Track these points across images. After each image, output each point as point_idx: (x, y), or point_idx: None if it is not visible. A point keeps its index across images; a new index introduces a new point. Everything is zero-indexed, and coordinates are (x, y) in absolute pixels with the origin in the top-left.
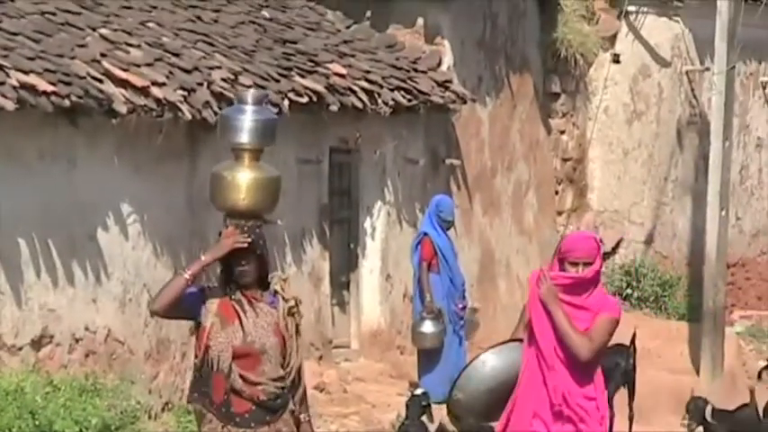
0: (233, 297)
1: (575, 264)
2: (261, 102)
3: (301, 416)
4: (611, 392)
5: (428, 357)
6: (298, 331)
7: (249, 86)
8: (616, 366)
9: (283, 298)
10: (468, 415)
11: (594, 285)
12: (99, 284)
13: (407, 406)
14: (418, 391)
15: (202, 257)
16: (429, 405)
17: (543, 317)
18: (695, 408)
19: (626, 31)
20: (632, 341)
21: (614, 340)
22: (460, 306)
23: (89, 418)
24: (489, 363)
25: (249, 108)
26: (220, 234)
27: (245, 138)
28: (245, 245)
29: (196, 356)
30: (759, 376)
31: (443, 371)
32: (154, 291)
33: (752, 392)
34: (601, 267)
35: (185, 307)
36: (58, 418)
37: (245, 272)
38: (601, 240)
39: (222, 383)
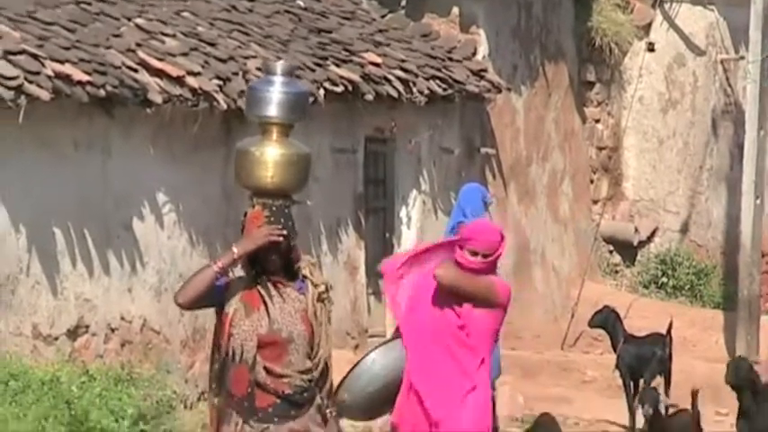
0: (258, 282)
1: (474, 253)
2: (291, 73)
3: (328, 411)
4: (647, 380)
5: None
6: (328, 319)
7: None
8: (653, 355)
9: (312, 283)
10: (354, 415)
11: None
12: (134, 274)
13: None
14: None
15: (234, 250)
16: None
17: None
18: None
19: (661, 20)
20: (668, 330)
21: (651, 329)
22: None
23: (125, 408)
24: (378, 362)
25: (278, 79)
26: (245, 215)
27: (273, 111)
28: (280, 238)
29: (216, 345)
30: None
31: None
32: None
33: (694, 396)
34: (497, 260)
35: (211, 298)
36: (94, 407)
37: (273, 260)
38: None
39: (245, 375)
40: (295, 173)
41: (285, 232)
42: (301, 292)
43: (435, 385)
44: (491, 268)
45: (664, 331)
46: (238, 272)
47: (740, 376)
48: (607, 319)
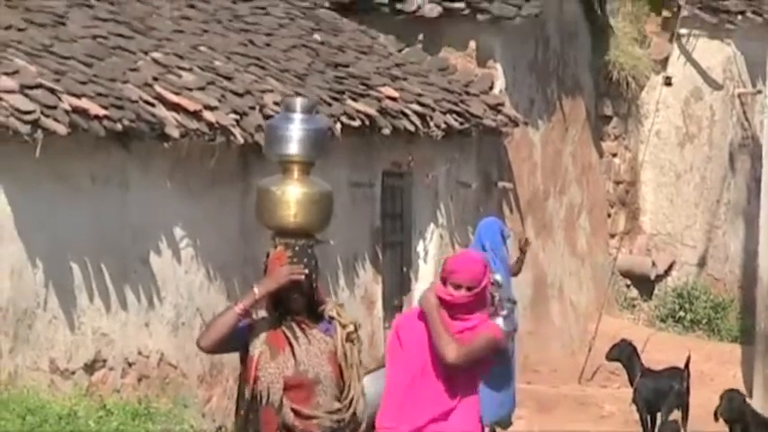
0: (283, 324)
1: (457, 286)
2: (311, 110)
3: None
4: (665, 414)
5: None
6: (360, 360)
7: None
8: (670, 389)
9: (340, 323)
10: None
11: (474, 310)
12: (152, 308)
13: None
14: None
15: (255, 290)
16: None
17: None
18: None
19: (678, 54)
20: (686, 364)
21: (668, 363)
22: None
23: None
24: (368, 389)
25: (298, 116)
26: (268, 255)
27: (294, 149)
28: (302, 277)
29: (242, 389)
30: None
31: (498, 393)
32: (207, 315)
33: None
34: (483, 292)
35: (234, 341)
36: None
37: (296, 299)
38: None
39: (273, 418)
40: (317, 212)
41: (307, 271)
42: (328, 334)
43: (420, 400)
44: (478, 302)
45: (681, 365)
46: (261, 312)
47: (733, 409)
48: (624, 353)
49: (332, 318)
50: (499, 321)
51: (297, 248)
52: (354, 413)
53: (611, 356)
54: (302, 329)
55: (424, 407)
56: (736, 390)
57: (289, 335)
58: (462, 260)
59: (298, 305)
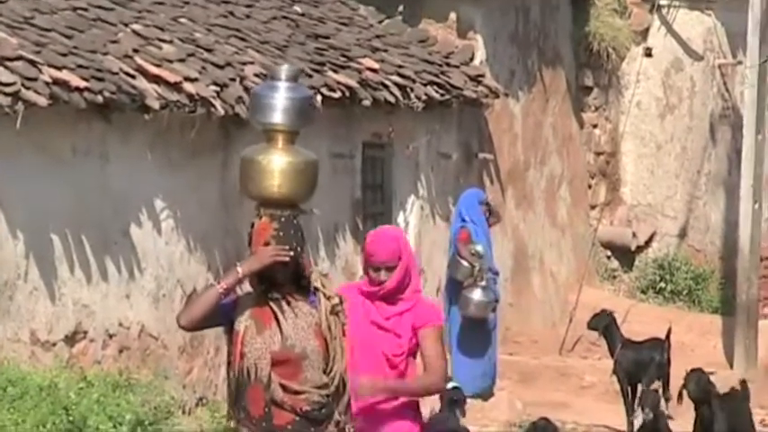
0: (269, 298)
1: (376, 269)
2: (296, 78)
3: (347, 426)
4: (645, 385)
5: (467, 349)
6: (343, 332)
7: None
8: (651, 360)
9: (325, 295)
10: None
11: (403, 290)
12: (132, 280)
13: (441, 400)
14: (450, 386)
15: (239, 269)
16: (459, 399)
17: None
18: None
19: (658, 25)
20: (667, 336)
21: (649, 335)
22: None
23: (123, 414)
24: None
25: (283, 85)
26: (252, 226)
27: (278, 118)
28: (287, 258)
29: (230, 366)
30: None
31: (479, 364)
32: (187, 287)
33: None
34: (406, 270)
35: (217, 317)
36: (92, 413)
37: (281, 273)
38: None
39: (261, 395)
40: (303, 181)
41: (292, 253)
42: (313, 306)
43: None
44: (404, 282)
45: (662, 336)
46: (246, 287)
47: (700, 389)
48: (603, 322)
49: (316, 289)
50: (477, 292)
51: (282, 220)
52: (339, 386)
53: (591, 325)
54: (288, 303)
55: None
56: (700, 369)
57: (275, 309)
58: (376, 240)
59: (283, 278)
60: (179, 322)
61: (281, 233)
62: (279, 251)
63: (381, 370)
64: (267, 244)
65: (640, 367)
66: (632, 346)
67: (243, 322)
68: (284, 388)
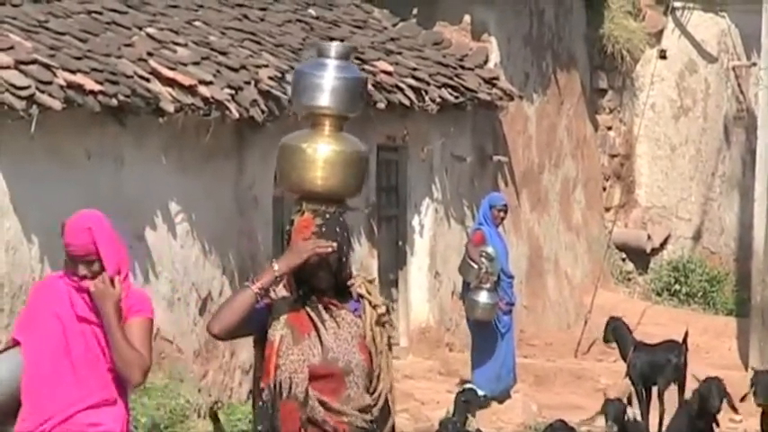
0: (307, 304)
1: (74, 261)
2: (347, 56)
3: None
4: (661, 388)
5: (478, 353)
6: (389, 346)
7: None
8: (667, 362)
9: (370, 303)
10: None
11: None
12: (147, 283)
13: (455, 403)
14: (464, 387)
15: (275, 266)
16: (470, 401)
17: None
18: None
19: (672, 27)
20: (684, 339)
21: (664, 337)
22: (506, 302)
23: (138, 418)
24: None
25: (332, 63)
26: (292, 223)
27: (326, 100)
28: (329, 250)
29: (259, 379)
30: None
31: (493, 366)
32: (202, 290)
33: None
34: (110, 263)
35: (251, 324)
36: None
37: (322, 276)
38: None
39: (294, 413)
40: (351, 174)
41: (335, 245)
42: (357, 315)
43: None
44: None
45: (678, 338)
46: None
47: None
48: (616, 331)
49: (361, 296)
50: (483, 295)
51: (327, 216)
52: (384, 408)
53: (607, 338)
54: (329, 311)
55: (69, 394)
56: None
57: (314, 317)
58: (69, 231)
59: (324, 282)
60: (211, 331)
61: (325, 230)
62: (319, 243)
63: (98, 363)
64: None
65: (656, 369)
66: (646, 348)
67: (278, 331)
68: (324, 405)
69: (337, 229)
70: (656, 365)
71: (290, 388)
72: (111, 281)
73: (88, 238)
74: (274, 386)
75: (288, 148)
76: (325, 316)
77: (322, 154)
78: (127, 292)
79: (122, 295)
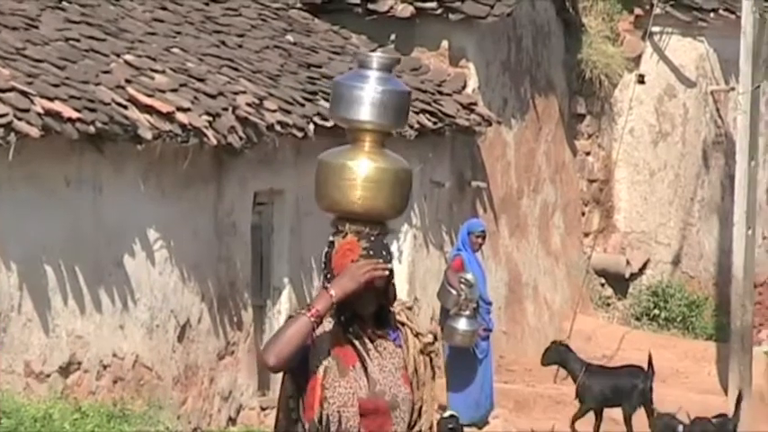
0: (349, 332)
1: None
2: (390, 68)
3: None
4: (628, 413)
5: (457, 379)
6: (432, 377)
7: (274, 111)
8: (633, 387)
9: (412, 331)
10: None
11: None
12: (126, 311)
13: (439, 429)
14: (446, 414)
15: (332, 291)
16: (455, 428)
17: None
18: None
19: (650, 52)
20: (649, 363)
21: (631, 362)
22: (483, 328)
23: None
24: None
25: (374, 74)
26: (332, 245)
27: (367, 113)
28: (386, 273)
29: (284, 409)
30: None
31: (472, 392)
32: (181, 317)
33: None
34: None
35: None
36: None
37: (369, 302)
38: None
39: None
40: (396, 194)
41: (391, 266)
42: (397, 344)
43: None
44: None
45: (640, 363)
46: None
47: None
48: (558, 354)
49: (401, 324)
50: (462, 322)
51: (373, 239)
52: None
53: (546, 362)
54: (371, 340)
55: None
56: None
57: (359, 347)
58: None
59: (370, 308)
60: (267, 364)
61: (372, 253)
62: (375, 266)
63: None
64: None
65: (620, 393)
66: (602, 371)
67: (322, 362)
68: None
69: (383, 252)
70: (620, 390)
71: (339, 422)
72: None
73: None
74: (320, 421)
75: (327, 165)
76: (369, 345)
77: (365, 172)
78: None
79: None
